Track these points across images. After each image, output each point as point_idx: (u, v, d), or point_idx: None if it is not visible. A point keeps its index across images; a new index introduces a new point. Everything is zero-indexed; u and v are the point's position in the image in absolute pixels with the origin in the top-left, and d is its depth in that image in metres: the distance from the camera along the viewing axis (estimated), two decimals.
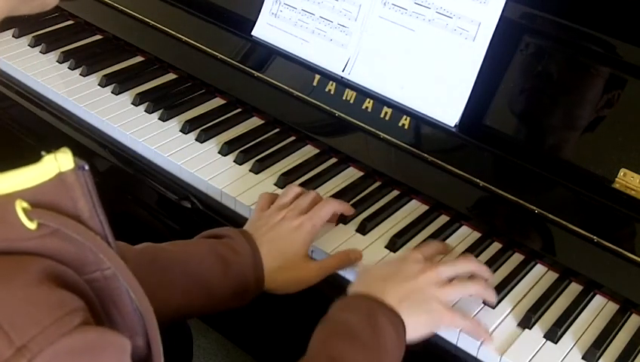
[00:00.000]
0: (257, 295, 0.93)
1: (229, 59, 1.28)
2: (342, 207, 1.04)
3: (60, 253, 0.56)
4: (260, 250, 0.94)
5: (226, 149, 1.17)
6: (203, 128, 1.21)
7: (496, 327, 0.92)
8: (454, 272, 0.91)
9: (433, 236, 1.04)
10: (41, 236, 0.55)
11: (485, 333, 0.89)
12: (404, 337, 0.83)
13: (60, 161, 0.55)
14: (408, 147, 1.10)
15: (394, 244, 1.01)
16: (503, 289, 0.96)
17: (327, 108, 1.17)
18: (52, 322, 0.51)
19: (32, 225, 0.54)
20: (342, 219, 1.05)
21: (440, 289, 0.88)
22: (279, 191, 1.10)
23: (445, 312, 0.87)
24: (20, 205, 0.53)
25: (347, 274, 0.98)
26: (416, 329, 0.85)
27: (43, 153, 0.55)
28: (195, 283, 0.90)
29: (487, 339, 0.89)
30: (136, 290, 0.61)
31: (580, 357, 0.89)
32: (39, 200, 0.54)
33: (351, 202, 1.08)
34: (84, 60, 1.36)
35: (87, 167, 0.57)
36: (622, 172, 0.97)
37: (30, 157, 0.56)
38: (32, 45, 1.40)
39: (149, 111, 1.25)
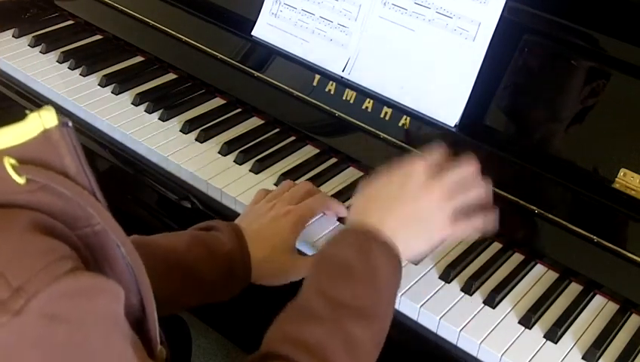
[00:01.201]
0: (245, 286, 0.93)
1: (229, 59, 1.28)
2: (335, 205, 1.02)
3: (50, 208, 0.57)
4: (247, 241, 0.93)
5: (225, 149, 1.17)
6: (203, 128, 1.21)
7: (496, 327, 0.92)
8: (460, 177, 0.86)
9: None
10: (31, 191, 0.56)
11: (489, 221, 0.87)
12: (399, 270, 0.80)
13: (44, 118, 0.56)
14: (408, 147, 1.10)
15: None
16: (503, 289, 0.96)
17: (327, 108, 1.17)
18: (44, 266, 0.53)
19: (21, 180, 0.55)
20: (341, 220, 1.05)
21: (448, 204, 0.84)
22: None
23: (447, 227, 0.84)
24: (8, 161, 0.55)
25: None
26: (414, 252, 0.84)
27: (27, 111, 0.57)
28: (182, 273, 0.90)
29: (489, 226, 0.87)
30: (126, 245, 0.62)
31: (580, 357, 0.89)
32: (26, 158, 0.56)
33: (351, 202, 1.08)
34: (84, 60, 1.36)
35: (70, 124, 0.58)
36: (622, 172, 0.97)
37: None
38: (32, 45, 1.40)
39: (149, 111, 1.25)
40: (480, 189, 0.87)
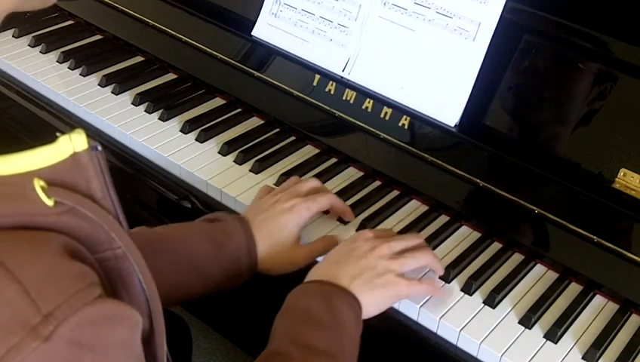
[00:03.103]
0: (251, 276, 0.95)
1: (229, 59, 1.28)
2: (341, 204, 1.04)
3: (76, 231, 0.58)
4: (253, 233, 0.95)
5: (226, 149, 1.17)
6: (203, 128, 1.21)
7: (496, 327, 0.92)
8: (404, 246, 0.93)
9: (433, 236, 1.04)
10: (59, 213, 0.56)
11: (440, 293, 0.93)
12: (360, 315, 0.85)
13: (74, 142, 0.57)
14: (408, 147, 1.10)
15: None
16: (503, 289, 0.96)
17: (327, 108, 1.17)
18: (76, 291, 0.53)
19: (49, 202, 0.56)
20: (342, 219, 1.05)
21: (393, 262, 0.89)
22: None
23: (402, 282, 0.89)
24: (38, 183, 0.55)
25: None
26: (375, 305, 0.87)
27: (58, 134, 0.57)
28: (187, 264, 0.91)
29: (437, 294, 0.93)
30: (144, 271, 0.63)
31: (580, 357, 0.89)
32: (55, 180, 0.56)
33: (351, 202, 1.08)
34: (84, 60, 1.36)
35: (99, 148, 0.59)
36: (622, 172, 0.97)
37: None
38: (32, 45, 1.40)
39: (149, 111, 1.25)
40: (427, 256, 0.93)
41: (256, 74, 1.25)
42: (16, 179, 0.55)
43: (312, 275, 0.89)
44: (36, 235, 0.55)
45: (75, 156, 0.57)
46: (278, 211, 0.97)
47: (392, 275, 0.88)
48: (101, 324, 0.55)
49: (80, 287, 0.54)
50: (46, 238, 0.55)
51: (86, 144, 0.58)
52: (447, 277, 0.97)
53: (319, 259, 0.96)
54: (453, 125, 1.08)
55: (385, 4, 1.14)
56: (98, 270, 0.59)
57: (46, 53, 1.39)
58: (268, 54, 1.24)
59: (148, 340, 0.65)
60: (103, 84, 1.31)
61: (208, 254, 0.92)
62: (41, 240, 0.55)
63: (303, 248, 0.98)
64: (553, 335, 0.91)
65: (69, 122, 1.26)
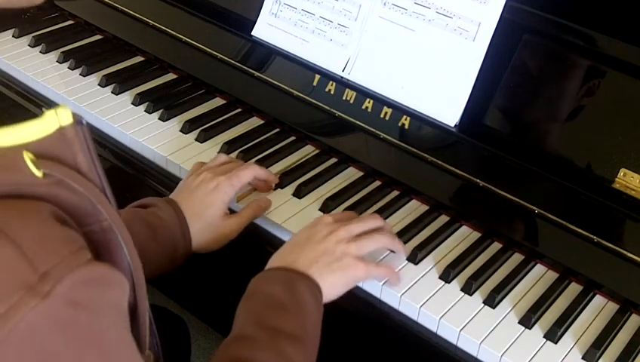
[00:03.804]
0: (187, 256, 0.98)
1: (229, 59, 1.28)
2: (264, 173, 1.08)
3: (64, 202, 0.59)
4: (184, 214, 0.99)
5: (225, 149, 1.17)
6: (203, 128, 1.21)
7: (496, 327, 0.92)
8: (363, 229, 0.95)
9: (433, 236, 1.04)
10: (47, 184, 0.58)
11: (397, 276, 0.95)
12: (320, 299, 0.87)
13: (60, 116, 0.59)
14: (408, 147, 1.10)
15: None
16: (503, 289, 0.96)
17: (327, 108, 1.17)
18: (69, 253, 0.55)
19: (39, 173, 0.58)
20: None
21: (351, 244, 0.91)
22: (279, 190, 1.10)
23: (359, 264, 0.91)
24: (27, 155, 0.57)
25: None
26: (333, 287, 0.89)
27: (43, 109, 0.60)
28: None
29: (395, 280, 0.95)
30: (129, 245, 0.65)
31: (580, 357, 0.89)
32: (42, 153, 0.58)
33: (351, 202, 1.08)
34: (84, 60, 1.36)
35: (84, 122, 0.61)
36: (622, 172, 0.97)
37: None
38: (32, 45, 1.40)
39: (149, 111, 1.25)
40: (385, 238, 0.96)
41: (256, 74, 1.25)
42: (5, 151, 0.57)
43: (273, 261, 0.91)
44: (26, 203, 0.57)
45: (61, 130, 0.59)
46: (204, 191, 1.01)
47: (350, 258, 0.90)
48: (95, 285, 0.57)
49: (72, 249, 0.56)
50: (36, 206, 0.57)
51: (71, 118, 0.60)
52: (447, 278, 0.97)
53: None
54: (453, 125, 1.08)
55: (385, 4, 1.14)
56: (85, 242, 0.60)
57: (46, 53, 1.39)
58: (268, 54, 1.24)
59: (132, 315, 0.67)
60: (103, 84, 1.31)
61: (146, 238, 0.93)
62: (32, 207, 0.57)
63: (231, 220, 1.02)
64: (553, 335, 0.91)
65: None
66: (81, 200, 0.60)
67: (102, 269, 0.58)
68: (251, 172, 1.05)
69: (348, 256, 0.90)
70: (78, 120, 0.60)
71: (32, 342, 0.53)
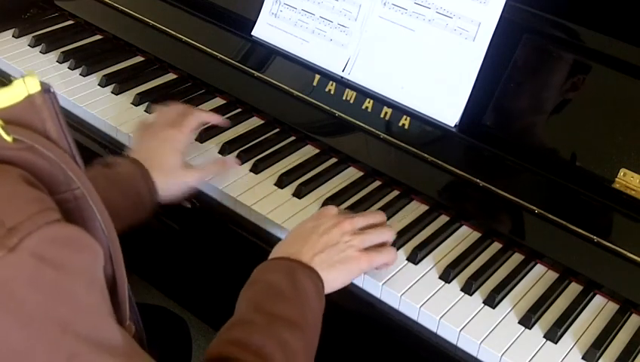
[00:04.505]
0: (155, 205, 1.02)
1: (229, 59, 1.28)
2: (210, 117, 1.15)
3: (35, 168, 0.60)
4: (144, 164, 1.02)
5: (226, 149, 1.17)
6: (203, 128, 1.21)
7: (496, 327, 0.92)
8: (366, 223, 0.96)
9: (433, 236, 1.04)
10: (18, 149, 0.59)
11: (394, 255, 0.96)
12: (322, 290, 0.88)
13: (28, 85, 0.60)
14: (408, 147, 1.10)
15: (394, 244, 1.01)
16: (503, 289, 0.96)
17: (327, 108, 1.17)
18: (37, 211, 0.57)
19: (8, 138, 0.58)
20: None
21: (355, 237, 0.92)
22: (279, 190, 1.10)
23: (362, 257, 0.92)
24: None
25: None
26: (336, 279, 0.90)
27: (12, 78, 0.59)
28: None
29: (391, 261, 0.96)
30: (103, 213, 0.66)
31: (580, 357, 0.89)
32: (12, 120, 0.60)
33: (351, 202, 1.08)
34: (84, 60, 1.36)
35: (52, 90, 0.62)
36: (622, 172, 0.97)
37: None
38: (32, 45, 1.40)
39: (149, 111, 1.25)
40: (389, 232, 0.97)
41: (256, 74, 1.25)
42: None
43: (277, 251, 0.92)
44: None
45: (29, 98, 0.61)
46: (156, 143, 1.06)
47: (353, 250, 0.91)
48: (63, 245, 0.58)
49: (41, 208, 0.57)
50: (5, 168, 0.58)
51: (39, 86, 0.61)
52: (447, 278, 0.97)
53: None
54: (453, 125, 1.08)
55: (385, 4, 1.14)
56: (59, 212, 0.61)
57: (46, 53, 1.39)
58: (268, 54, 1.24)
59: (112, 287, 0.68)
60: (103, 84, 1.31)
61: (111, 193, 0.94)
62: (1, 169, 0.58)
63: (193, 170, 1.07)
64: (553, 335, 0.91)
65: (69, 122, 1.25)
66: (52, 167, 0.61)
67: (72, 230, 0.59)
68: (198, 118, 1.12)
69: (352, 248, 0.91)
70: (45, 88, 0.61)
71: (2, 293, 0.55)
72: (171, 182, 1.04)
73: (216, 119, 1.17)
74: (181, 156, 1.06)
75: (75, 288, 0.58)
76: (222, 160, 1.13)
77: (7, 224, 0.55)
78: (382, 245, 0.95)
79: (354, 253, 0.91)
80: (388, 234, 0.97)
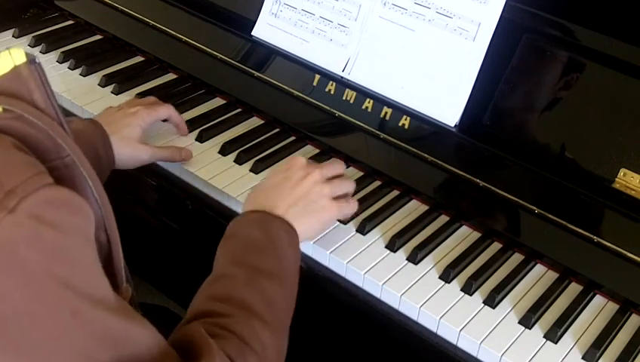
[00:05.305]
0: (111, 167, 1.04)
1: (229, 59, 1.28)
2: (178, 117, 1.17)
3: (25, 137, 0.62)
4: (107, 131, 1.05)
5: (226, 149, 1.17)
6: (203, 128, 1.21)
7: (496, 327, 0.92)
8: (333, 173, 1.00)
9: (433, 236, 1.04)
10: (8, 118, 0.61)
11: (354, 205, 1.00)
12: (296, 241, 0.91)
13: (14, 56, 0.62)
14: (408, 147, 1.10)
15: (394, 244, 1.01)
16: (503, 289, 0.96)
17: (327, 108, 1.17)
18: (33, 174, 0.58)
19: None
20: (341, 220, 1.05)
21: (325, 186, 0.96)
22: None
23: (333, 205, 0.96)
24: None
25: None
26: (308, 230, 0.94)
27: None
28: None
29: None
30: (94, 180, 0.67)
31: (580, 357, 0.89)
32: (0, 91, 0.61)
33: None
34: (84, 60, 1.36)
35: (38, 61, 0.65)
36: (622, 172, 0.97)
37: None
38: (32, 45, 1.40)
39: None
40: (351, 184, 1.02)
41: (256, 74, 1.25)
42: None
43: (249, 204, 0.95)
44: None
45: (15, 69, 0.62)
46: (123, 114, 1.10)
47: (326, 200, 0.95)
48: (60, 206, 0.60)
49: (36, 172, 0.59)
50: None
51: (24, 57, 0.63)
52: (447, 278, 0.97)
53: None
54: (453, 125, 1.08)
55: (385, 4, 1.14)
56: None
57: (46, 53, 1.39)
58: (268, 54, 1.24)
59: (108, 254, 0.69)
60: (102, 84, 1.31)
61: None
62: None
63: (148, 146, 1.10)
64: (553, 335, 0.91)
65: (68, 120, 1.26)
66: (41, 135, 0.63)
67: (66, 193, 0.60)
68: (168, 110, 1.16)
69: (324, 198, 0.95)
70: (31, 59, 0.63)
71: (2, 253, 0.56)
72: (126, 151, 1.06)
73: (182, 128, 1.19)
74: (141, 131, 1.09)
75: (72, 247, 0.60)
76: (178, 147, 1.14)
77: (6, 187, 0.56)
78: (345, 195, 1.00)
79: (326, 203, 0.95)
80: (351, 185, 1.02)
